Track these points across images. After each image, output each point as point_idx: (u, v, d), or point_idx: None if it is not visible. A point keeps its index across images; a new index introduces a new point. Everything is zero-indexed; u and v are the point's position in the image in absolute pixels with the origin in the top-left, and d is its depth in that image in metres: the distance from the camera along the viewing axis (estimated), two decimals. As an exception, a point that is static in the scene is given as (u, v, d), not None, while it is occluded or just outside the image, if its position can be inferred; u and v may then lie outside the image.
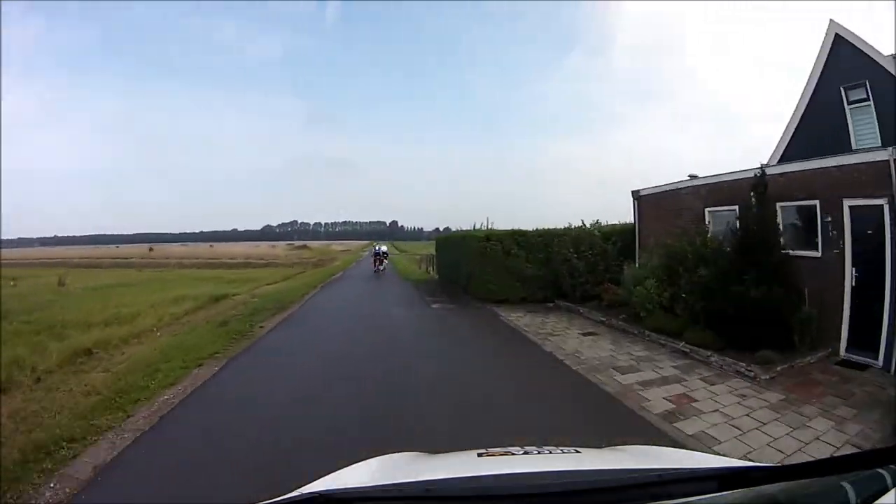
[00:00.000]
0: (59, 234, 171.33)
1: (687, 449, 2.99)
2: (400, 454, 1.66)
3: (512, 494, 1.05)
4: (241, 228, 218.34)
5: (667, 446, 2.32)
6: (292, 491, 1.12)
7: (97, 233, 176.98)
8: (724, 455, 3.17)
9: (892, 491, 0.84)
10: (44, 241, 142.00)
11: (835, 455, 2.72)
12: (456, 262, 14.06)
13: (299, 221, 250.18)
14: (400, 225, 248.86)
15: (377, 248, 25.88)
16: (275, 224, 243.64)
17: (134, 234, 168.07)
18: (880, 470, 0.90)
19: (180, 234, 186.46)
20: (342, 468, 1.42)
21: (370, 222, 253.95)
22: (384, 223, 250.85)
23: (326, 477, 1.33)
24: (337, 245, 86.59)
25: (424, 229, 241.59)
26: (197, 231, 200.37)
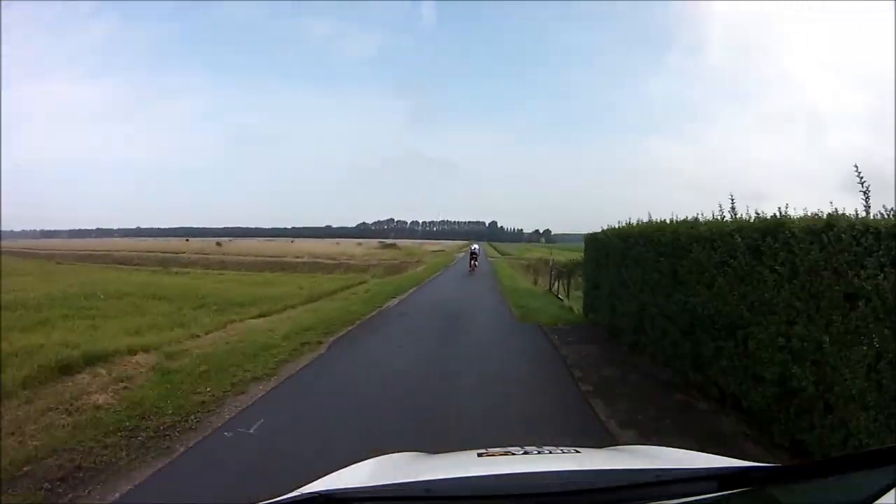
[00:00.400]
0: (142, 226, 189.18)
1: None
2: (400, 454, 1.72)
3: (512, 494, 1.09)
4: (335, 225, 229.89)
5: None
6: (292, 491, 1.18)
7: (187, 225, 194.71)
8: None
9: (893, 491, 0.86)
10: (125, 233, 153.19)
11: (835, 455, 2.15)
12: (684, 315, 5.33)
13: (396, 220, 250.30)
14: (500, 226, 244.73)
15: (473, 247, 30.97)
16: (370, 222, 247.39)
17: (224, 228, 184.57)
18: (880, 470, 0.91)
19: (271, 229, 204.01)
20: (342, 468, 1.47)
21: (468, 222, 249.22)
22: (483, 223, 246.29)
23: (326, 477, 1.38)
24: (431, 244, 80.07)
25: (524, 231, 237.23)
26: (290, 227, 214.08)
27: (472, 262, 27.98)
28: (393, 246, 60.82)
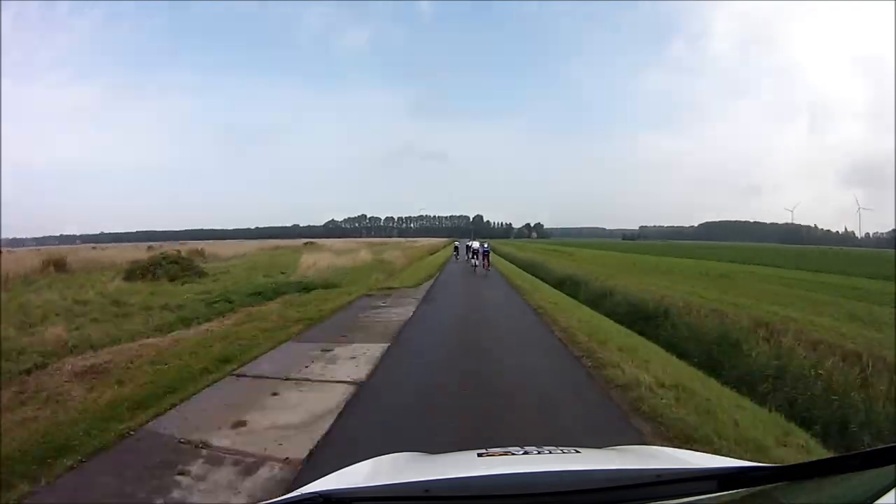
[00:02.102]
0: (105, 231, 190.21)
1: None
2: (400, 454, 1.81)
3: (512, 494, 1.18)
4: (302, 224, 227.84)
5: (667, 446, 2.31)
6: (292, 491, 1.32)
7: (148, 229, 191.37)
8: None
9: (893, 491, 0.88)
10: (86, 239, 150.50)
11: (835, 455, 2.14)
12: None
13: (368, 216, 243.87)
14: (486, 220, 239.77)
15: (485, 246, 25.07)
16: (340, 219, 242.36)
17: (186, 231, 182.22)
18: (880, 469, 0.97)
19: (234, 230, 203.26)
20: (343, 468, 1.58)
21: (450, 217, 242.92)
22: (467, 217, 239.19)
23: (327, 477, 1.48)
24: (365, 247, 45.16)
25: (514, 225, 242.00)
26: (253, 227, 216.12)
27: (477, 259, 24.24)
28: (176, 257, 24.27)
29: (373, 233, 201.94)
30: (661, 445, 3.97)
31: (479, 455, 1.56)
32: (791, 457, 4.45)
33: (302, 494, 1.25)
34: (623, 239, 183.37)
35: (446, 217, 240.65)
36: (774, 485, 1.16)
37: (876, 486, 0.92)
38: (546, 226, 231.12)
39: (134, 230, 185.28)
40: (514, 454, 1.53)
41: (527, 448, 1.56)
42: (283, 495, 1.28)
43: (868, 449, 1.04)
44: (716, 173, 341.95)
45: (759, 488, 1.16)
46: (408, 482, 1.36)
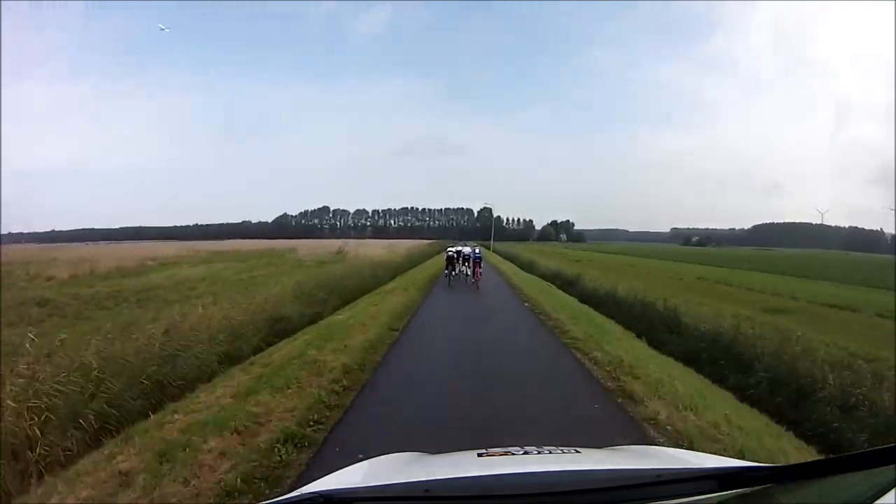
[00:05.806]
0: (57, 229, 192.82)
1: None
2: (400, 454, 2.15)
3: (512, 494, 1.39)
4: (254, 220, 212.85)
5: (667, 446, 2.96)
6: (292, 491, 1.60)
7: (93, 227, 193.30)
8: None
9: (893, 491, 1.01)
10: (33, 237, 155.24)
11: (835, 455, 2.35)
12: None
13: (332, 209, 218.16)
14: (496, 216, 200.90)
15: (476, 251, 23.56)
16: (294, 213, 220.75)
17: (122, 229, 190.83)
18: (880, 470, 1.11)
19: (171, 227, 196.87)
20: (343, 468, 1.85)
21: (446, 210, 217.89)
22: (470, 212, 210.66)
23: (327, 477, 1.75)
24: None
25: (535, 224, 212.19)
26: (190, 224, 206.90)
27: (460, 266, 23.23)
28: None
29: (337, 232, 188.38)
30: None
31: (479, 455, 1.80)
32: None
33: (302, 494, 1.46)
34: (683, 245, 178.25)
35: (439, 211, 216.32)
36: (774, 485, 1.33)
37: (876, 486, 1.05)
38: (579, 226, 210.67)
39: (82, 227, 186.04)
40: (514, 454, 1.76)
41: (527, 448, 1.79)
42: (282, 495, 1.50)
43: (868, 449, 1.18)
44: (752, 173, 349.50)
45: (759, 488, 1.33)
46: (407, 482, 1.58)
